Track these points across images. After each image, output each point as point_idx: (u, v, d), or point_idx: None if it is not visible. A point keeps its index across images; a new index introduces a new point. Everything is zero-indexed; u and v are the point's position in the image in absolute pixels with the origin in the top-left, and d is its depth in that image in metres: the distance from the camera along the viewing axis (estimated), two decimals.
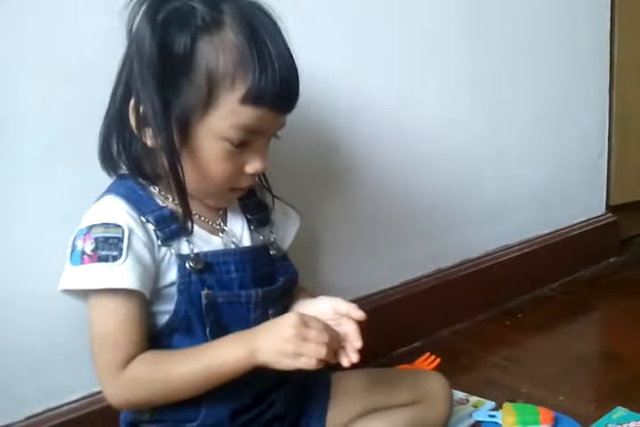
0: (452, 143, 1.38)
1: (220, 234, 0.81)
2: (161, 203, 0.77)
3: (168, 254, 0.75)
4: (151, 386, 0.72)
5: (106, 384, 0.73)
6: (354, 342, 0.73)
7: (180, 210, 0.76)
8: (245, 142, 0.74)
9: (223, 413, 0.77)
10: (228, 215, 0.84)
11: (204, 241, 0.78)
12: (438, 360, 1.22)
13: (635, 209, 1.86)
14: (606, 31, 1.69)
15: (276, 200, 0.90)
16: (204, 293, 0.74)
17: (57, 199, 0.88)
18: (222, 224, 0.82)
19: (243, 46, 0.70)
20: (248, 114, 0.71)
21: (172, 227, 0.75)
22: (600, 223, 1.75)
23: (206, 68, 0.70)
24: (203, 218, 0.81)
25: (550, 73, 1.56)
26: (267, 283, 0.81)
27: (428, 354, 1.24)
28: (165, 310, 0.75)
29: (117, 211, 0.74)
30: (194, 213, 0.77)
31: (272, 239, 0.86)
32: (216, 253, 0.78)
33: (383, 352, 1.26)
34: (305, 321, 0.71)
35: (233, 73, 0.70)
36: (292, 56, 0.74)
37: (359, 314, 0.75)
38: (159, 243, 0.75)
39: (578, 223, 1.70)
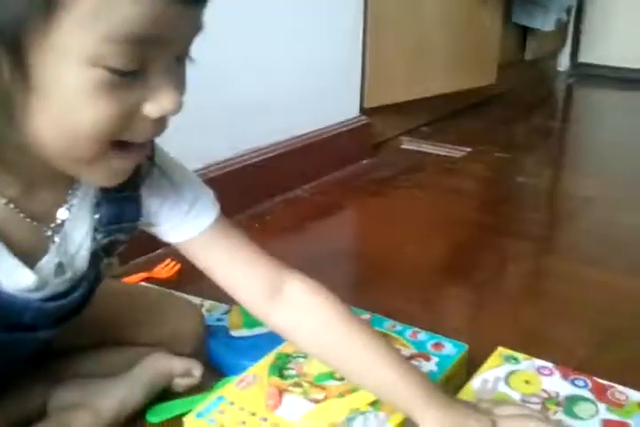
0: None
1: (45, 257, 0.60)
2: None
3: None
4: None
5: None
6: None
7: None
8: (139, 69, 0.48)
9: None
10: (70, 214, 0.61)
11: (7, 274, 0.57)
12: (179, 266, 1.17)
13: (389, 112, 1.92)
14: None
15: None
16: None
17: None
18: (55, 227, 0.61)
19: None
20: (127, 11, 0.44)
21: None
22: (354, 125, 1.78)
23: None
24: (23, 219, 0.57)
25: None
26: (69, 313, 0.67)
27: (168, 260, 1.19)
28: None
29: None
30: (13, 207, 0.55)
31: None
32: (14, 300, 0.59)
33: (122, 260, 1.19)
34: None
35: None
36: None
37: None
38: None
39: (331, 125, 1.71)
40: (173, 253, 1.22)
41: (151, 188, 0.66)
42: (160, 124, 0.53)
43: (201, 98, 1.30)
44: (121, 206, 0.64)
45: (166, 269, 1.17)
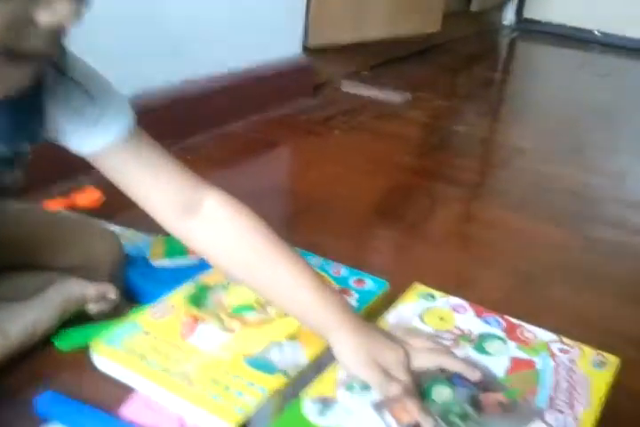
0: None
1: None
2: None
3: None
4: None
5: None
6: None
7: None
8: None
9: None
10: None
11: None
12: (99, 195, 1.13)
13: (331, 54, 1.88)
14: None
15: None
16: None
17: None
18: None
19: None
20: None
21: None
22: (295, 64, 1.73)
23: None
24: None
25: None
26: None
27: (91, 188, 1.15)
28: None
29: None
30: None
31: None
32: None
33: (42, 185, 1.14)
34: None
35: None
36: None
37: (477, 375, 0.64)
38: None
39: (272, 61, 1.66)
40: (97, 181, 1.18)
41: (57, 95, 0.61)
42: (56, 34, 0.48)
43: (136, 24, 1.25)
44: (20, 115, 0.60)
45: (88, 196, 1.13)
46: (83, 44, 1.12)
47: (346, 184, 1.32)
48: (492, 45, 2.79)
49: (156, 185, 0.68)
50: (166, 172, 0.68)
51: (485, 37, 2.80)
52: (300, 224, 1.16)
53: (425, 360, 0.65)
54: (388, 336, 0.67)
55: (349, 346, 0.64)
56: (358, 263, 0.92)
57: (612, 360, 0.71)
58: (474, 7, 2.59)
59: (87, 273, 0.82)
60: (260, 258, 0.69)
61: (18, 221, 0.81)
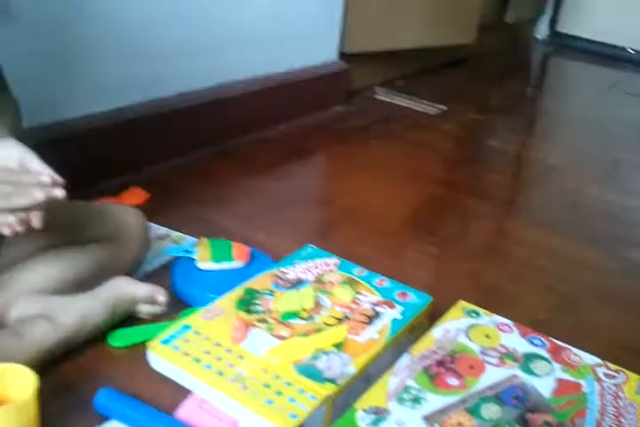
0: None
1: None
2: None
3: None
4: None
5: None
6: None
7: None
8: None
9: None
10: None
11: None
12: (146, 195, 1.15)
13: (367, 60, 1.89)
14: None
15: None
16: None
17: None
18: None
19: None
20: None
21: None
22: (331, 70, 1.75)
23: None
24: None
25: None
26: None
27: (135, 188, 1.17)
28: None
29: None
30: None
31: None
32: None
33: (88, 183, 1.16)
34: None
35: None
36: None
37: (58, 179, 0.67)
38: None
39: (309, 67, 1.67)
40: (140, 181, 1.21)
41: None
42: None
43: (178, 24, 1.27)
44: None
45: (135, 195, 1.14)
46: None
47: (380, 195, 1.34)
48: (525, 59, 2.79)
49: None
50: None
51: (518, 51, 2.80)
52: (336, 234, 1.17)
53: None
54: None
55: None
56: (394, 275, 0.92)
57: None
58: (508, 19, 2.59)
59: (117, 242, 0.87)
60: None
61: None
